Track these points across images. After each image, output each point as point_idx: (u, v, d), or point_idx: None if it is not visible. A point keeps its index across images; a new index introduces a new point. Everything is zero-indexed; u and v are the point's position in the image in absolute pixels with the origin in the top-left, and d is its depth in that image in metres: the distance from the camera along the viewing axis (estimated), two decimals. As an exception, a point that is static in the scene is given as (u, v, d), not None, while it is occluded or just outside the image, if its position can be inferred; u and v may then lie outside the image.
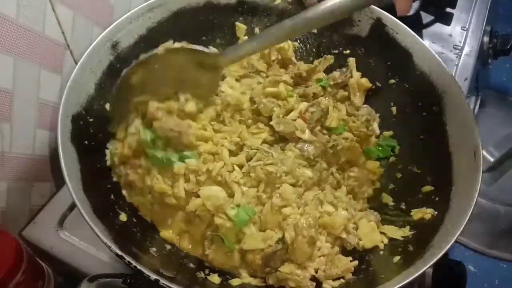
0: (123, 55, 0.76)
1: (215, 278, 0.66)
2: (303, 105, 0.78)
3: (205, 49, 0.72)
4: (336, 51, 0.89)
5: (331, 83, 0.86)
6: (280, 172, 0.69)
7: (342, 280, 0.67)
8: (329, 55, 0.88)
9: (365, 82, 0.85)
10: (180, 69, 0.70)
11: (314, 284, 0.66)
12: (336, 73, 0.86)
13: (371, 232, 0.71)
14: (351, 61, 0.86)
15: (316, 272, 0.67)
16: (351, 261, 0.69)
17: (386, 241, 0.71)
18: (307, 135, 0.75)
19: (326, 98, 0.80)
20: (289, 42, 0.86)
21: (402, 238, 0.70)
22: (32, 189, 0.80)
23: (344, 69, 0.87)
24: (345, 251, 0.71)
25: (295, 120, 0.76)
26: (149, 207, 0.71)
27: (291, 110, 0.78)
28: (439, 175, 0.73)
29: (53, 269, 0.73)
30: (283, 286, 0.66)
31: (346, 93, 0.85)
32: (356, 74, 0.85)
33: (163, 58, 0.68)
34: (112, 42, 0.75)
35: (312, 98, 0.82)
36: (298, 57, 0.90)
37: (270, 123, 0.76)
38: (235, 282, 0.66)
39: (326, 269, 0.67)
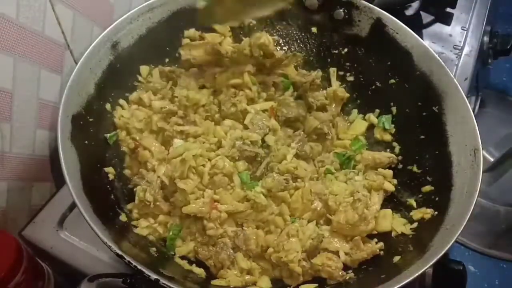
0: (123, 55, 0.76)
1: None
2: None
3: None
4: (336, 51, 0.89)
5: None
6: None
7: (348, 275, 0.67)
8: (298, 53, 0.88)
9: (341, 92, 0.86)
10: None
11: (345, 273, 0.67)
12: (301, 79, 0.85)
13: (382, 218, 0.72)
14: (332, 71, 0.88)
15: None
16: (376, 243, 0.69)
17: (394, 233, 0.72)
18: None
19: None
20: (268, 36, 0.84)
21: (401, 233, 0.71)
22: (32, 189, 0.80)
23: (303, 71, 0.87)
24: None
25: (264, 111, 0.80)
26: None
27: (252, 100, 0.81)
28: (439, 175, 0.73)
29: (53, 269, 0.72)
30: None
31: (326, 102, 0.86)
32: (336, 84, 0.87)
33: None
34: (112, 42, 0.75)
35: (272, 87, 0.83)
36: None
37: (245, 122, 0.78)
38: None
39: (352, 253, 0.69)
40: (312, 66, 0.90)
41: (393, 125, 0.83)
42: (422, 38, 0.80)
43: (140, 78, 0.81)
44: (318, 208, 0.72)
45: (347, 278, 0.66)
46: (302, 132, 0.80)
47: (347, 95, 0.87)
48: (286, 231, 0.69)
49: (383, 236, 0.72)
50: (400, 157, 0.80)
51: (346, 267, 0.69)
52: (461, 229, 0.62)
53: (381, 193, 0.75)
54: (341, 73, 0.89)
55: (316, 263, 0.66)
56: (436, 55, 0.78)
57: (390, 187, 0.76)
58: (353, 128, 0.86)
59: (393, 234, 0.72)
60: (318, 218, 0.73)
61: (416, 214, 0.72)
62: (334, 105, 0.87)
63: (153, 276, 0.55)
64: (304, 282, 0.67)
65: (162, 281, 0.55)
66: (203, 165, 0.70)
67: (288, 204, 0.72)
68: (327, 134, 0.81)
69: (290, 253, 0.65)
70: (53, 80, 0.77)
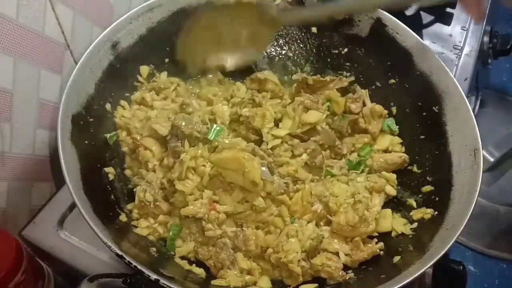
0: (123, 55, 0.76)
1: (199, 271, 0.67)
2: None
3: (270, 3, 0.79)
4: (336, 51, 0.89)
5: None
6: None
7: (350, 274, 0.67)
8: (344, 78, 0.87)
9: (379, 109, 0.82)
10: (242, 21, 0.79)
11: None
12: (352, 105, 0.82)
13: (382, 218, 0.73)
14: (364, 92, 0.84)
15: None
16: (376, 243, 0.70)
17: (394, 233, 0.72)
18: None
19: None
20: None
21: (401, 233, 0.71)
22: (32, 189, 0.80)
23: (352, 95, 0.83)
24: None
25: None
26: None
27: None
28: (439, 175, 0.73)
29: (53, 269, 0.72)
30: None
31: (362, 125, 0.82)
32: (370, 103, 0.84)
33: (231, 8, 0.77)
34: (112, 42, 0.75)
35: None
36: (297, 57, 0.91)
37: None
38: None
39: (352, 254, 0.69)
40: (313, 66, 0.90)
41: (397, 126, 0.83)
42: (422, 38, 0.80)
43: (140, 78, 0.81)
44: (319, 210, 0.72)
45: (347, 278, 0.66)
46: (316, 141, 0.77)
47: (386, 111, 0.83)
48: (285, 231, 0.69)
49: (383, 236, 0.72)
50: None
51: (346, 267, 0.69)
52: (461, 229, 0.62)
53: (382, 195, 0.75)
54: (341, 73, 0.89)
55: (316, 263, 0.66)
56: (436, 55, 0.78)
57: (392, 191, 0.76)
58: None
59: (393, 234, 0.72)
60: (318, 220, 0.73)
61: (416, 214, 0.72)
62: (375, 123, 0.83)
63: (153, 276, 0.55)
64: (304, 282, 0.67)
65: (162, 281, 0.55)
66: (204, 166, 0.70)
67: (288, 206, 0.71)
68: (341, 149, 0.80)
69: (289, 253, 0.65)
70: (53, 80, 0.77)
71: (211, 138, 0.72)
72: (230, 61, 0.84)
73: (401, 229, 0.71)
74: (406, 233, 0.71)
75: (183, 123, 0.71)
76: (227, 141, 0.72)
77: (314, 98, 0.81)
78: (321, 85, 0.85)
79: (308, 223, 0.71)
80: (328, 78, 0.85)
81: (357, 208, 0.70)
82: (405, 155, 0.79)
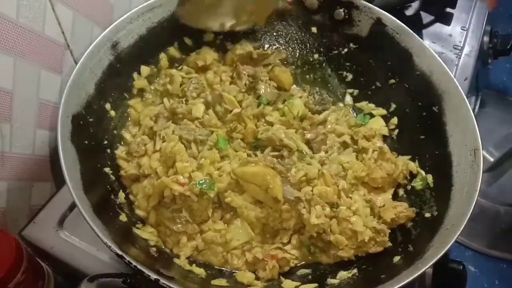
0: (123, 55, 0.76)
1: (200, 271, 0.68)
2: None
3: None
4: (336, 51, 0.89)
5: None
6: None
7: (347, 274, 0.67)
8: (283, 50, 0.90)
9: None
10: None
11: None
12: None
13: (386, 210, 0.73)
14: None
15: None
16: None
17: None
18: None
19: None
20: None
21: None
22: (32, 189, 0.80)
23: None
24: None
25: None
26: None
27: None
28: (439, 175, 0.73)
29: (53, 269, 0.72)
30: None
31: None
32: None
33: None
34: (112, 42, 0.75)
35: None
36: (297, 58, 0.91)
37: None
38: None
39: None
40: (313, 66, 0.90)
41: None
42: (422, 38, 0.80)
43: (135, 82, 0.80)
44: (345, 186, 0.73)
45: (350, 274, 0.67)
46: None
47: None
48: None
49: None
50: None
51: (349, 263, 0.69)
52: (461, 229, 0.62)
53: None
54: (341, 73, 0.89)
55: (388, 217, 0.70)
56: (436, 55, 0.78)
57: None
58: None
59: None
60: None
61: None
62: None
63: (153, 276, 0.55)
64: (304, 283, 0.67)
65: (162, 281, 0.55)
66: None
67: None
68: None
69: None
70: (53, 80, 0.77)
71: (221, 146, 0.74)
72: (229, 25, 0.85)
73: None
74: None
75: (184, 132, 0.73)
76: (230, 150, 0.74)
77: (259, 69, 0.85)
78: (263, 58, 0.88)
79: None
80: (269, 51, 0.89)
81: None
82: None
